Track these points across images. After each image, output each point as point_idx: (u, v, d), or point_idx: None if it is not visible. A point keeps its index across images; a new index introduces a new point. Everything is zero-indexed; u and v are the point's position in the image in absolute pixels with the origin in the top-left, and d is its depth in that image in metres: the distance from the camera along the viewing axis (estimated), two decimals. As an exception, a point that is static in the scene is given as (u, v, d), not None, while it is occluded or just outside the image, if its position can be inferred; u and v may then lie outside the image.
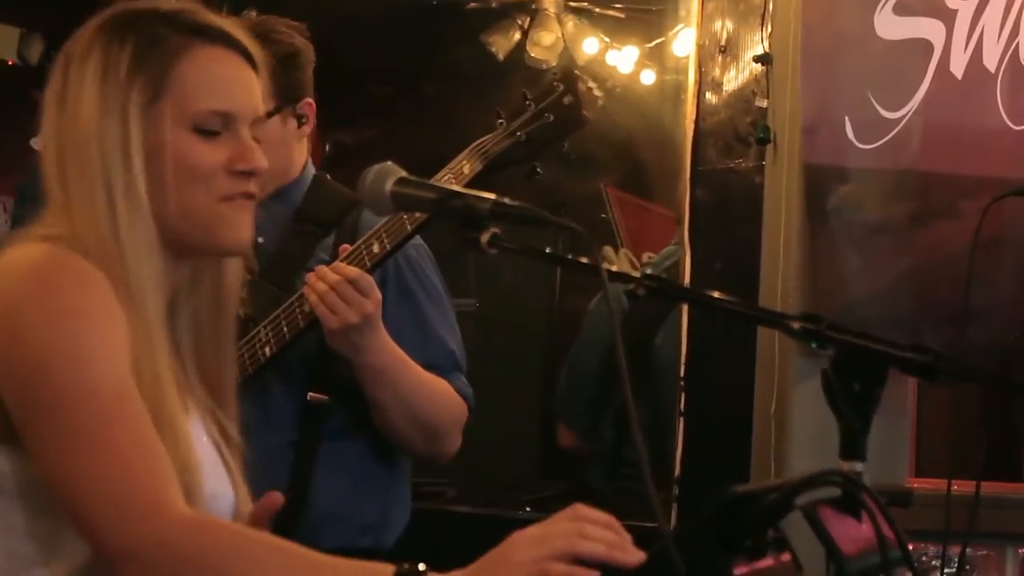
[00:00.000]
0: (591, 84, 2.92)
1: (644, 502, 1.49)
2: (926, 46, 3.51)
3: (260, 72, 1.91)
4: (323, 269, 2.68)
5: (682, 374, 3.76)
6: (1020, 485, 3.95)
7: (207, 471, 1.81)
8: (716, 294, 1.68)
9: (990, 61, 3.47)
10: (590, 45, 6.01)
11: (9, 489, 1.76)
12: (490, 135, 2.71)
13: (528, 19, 6.10)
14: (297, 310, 2.72)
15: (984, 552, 3.61)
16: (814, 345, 1.62)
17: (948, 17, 3.51)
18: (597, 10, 6.10)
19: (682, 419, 3.75)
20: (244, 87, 1.88)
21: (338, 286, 2.64)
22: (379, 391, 2.77)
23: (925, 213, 3.52)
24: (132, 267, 1.77)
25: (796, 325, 1.62)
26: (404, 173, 1.88)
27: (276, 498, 1.92)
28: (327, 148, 6.42)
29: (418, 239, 2.86)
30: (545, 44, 6.06)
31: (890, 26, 3.52)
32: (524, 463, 5.89)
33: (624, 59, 5.89)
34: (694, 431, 3.75)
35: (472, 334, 5.65)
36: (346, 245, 2.73)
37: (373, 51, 6.13)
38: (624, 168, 5.56)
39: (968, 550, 3.30)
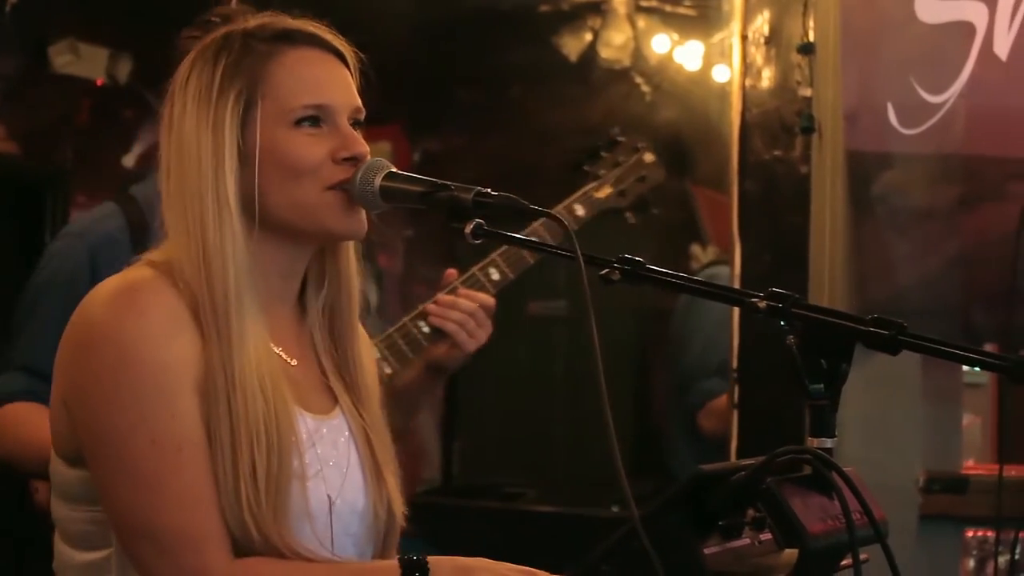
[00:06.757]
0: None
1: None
2: (968, 28, 3.45)
3: (352, 67, 1.98)
4: (450, 299, 2.81)
5: (734, 366, 3.74)
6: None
7: (329, 474, 1.90)
8: (684, 275, 1.70)
9: (1035, 41, 3.42)
10: (660, 43, 5.98)
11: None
12: (593, 184, 3.08)
13: (599, 20, 6.09)
14: (415, 330, 2.84)
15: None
16: (782, 324, 1.63)
17: (991, -2, 3.46)
18: (668, 8, 6.07)
19: (735, 411, 3.74)
20: (336, 81, 1.95)
21: (476, 313, 2.80)
22: (434, 390, 2.98)
23: (972, 197, 3.48)
24: (217, 273, 1.85)
25: (761, 304, 1.63)
26: (393, 168, 1.93)
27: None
28: (416, 157, 6.47)
29: None
30: (616, 44, 6.05)
31: (931, 9, 3.48)
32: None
33: (690, 55, 5.86)
34: (748, 423, 3.73)
35: (563, 335, 5.69)
36: (452, 270, 2.87)
37: (449, 58, 6.16)
38: (708, 165, 5.49)
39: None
